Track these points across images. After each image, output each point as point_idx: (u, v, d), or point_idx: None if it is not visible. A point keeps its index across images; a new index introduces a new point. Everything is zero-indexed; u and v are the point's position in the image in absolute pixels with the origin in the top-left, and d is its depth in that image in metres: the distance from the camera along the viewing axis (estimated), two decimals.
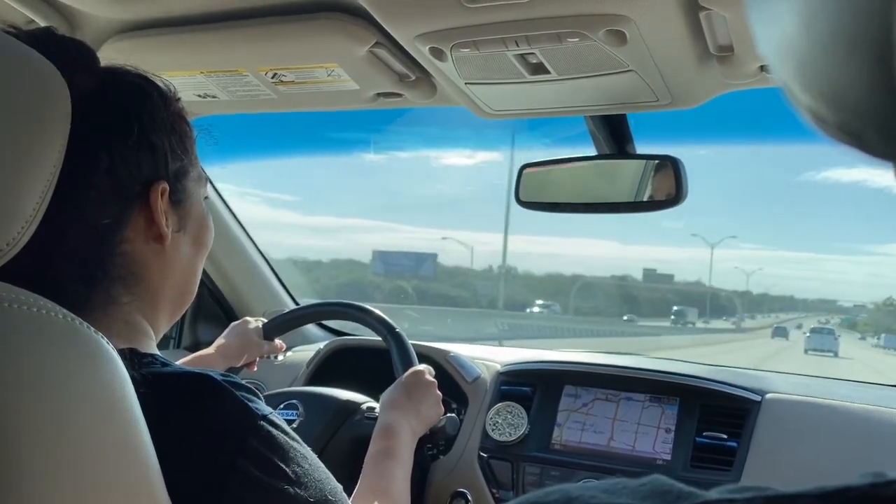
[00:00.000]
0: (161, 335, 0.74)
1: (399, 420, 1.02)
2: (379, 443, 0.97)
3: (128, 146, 0.67)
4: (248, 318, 1.34)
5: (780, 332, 43.86)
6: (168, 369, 0.64)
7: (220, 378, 0.63)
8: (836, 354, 28.42)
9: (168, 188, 0.70)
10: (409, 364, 1.21)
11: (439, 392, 1.13)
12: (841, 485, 0.25)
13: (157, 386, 0.60)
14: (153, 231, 0.69)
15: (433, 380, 1.14)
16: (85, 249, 0.65)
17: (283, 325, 1.38)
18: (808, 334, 33.55)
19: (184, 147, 0.72)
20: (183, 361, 1.19)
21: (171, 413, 0.60)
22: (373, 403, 1.27)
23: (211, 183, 1.61)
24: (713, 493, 0.27)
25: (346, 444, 1.22)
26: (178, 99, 0.74)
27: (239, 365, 1.29)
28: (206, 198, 0.79)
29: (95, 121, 0.64)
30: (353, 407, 1.27)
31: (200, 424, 0.62)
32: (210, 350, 1.26)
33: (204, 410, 0.62)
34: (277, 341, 1.36)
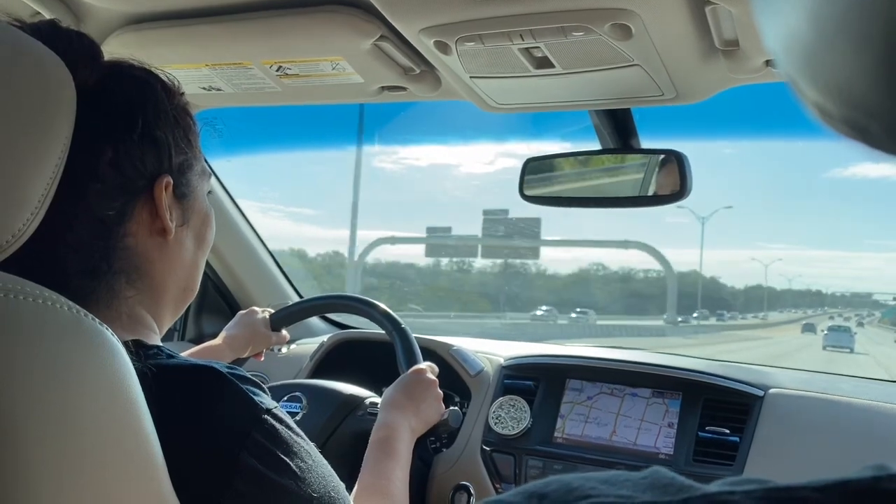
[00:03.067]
0: (165, 330, 0.74)
1: (398, 419, 1.02)
2: (378, 442, 0.97)
3: (132, 140, 0.67)
4: (255, 308, 1.34)
5: (808, 328, 45.81)
6: (173, 361, 0.64)
7: (225, 370, 0.63)
8: (852, 350, 29.08)
9: (172, 182, 0.70)
10: (414, 360, 1.21)
11: (440, 391, 1.13)
12: (841, 477, 0.24)
13: (162, 378, 0.60)
14: (157, 225, 0.69)
15: (434, 378, 1.14)
16: (89, 242, 0.65)
17: (291, 316, 1.38)
18: (825, 332, 34.41)
19: (188, 141, 0.72)
20: (191, 352, 1.19)
21: (176, 405, 0.60)
22: (376, 399, 1.27)
23: (216, 176, 1.61)
24: (713, 486, 0.27)
25: (348, 439, 1.22)
26: (182, 93, 0.74)
27: (245, 356, 1.29)
28: (210, 192, 0.79)
29: (99, 114, 0.64)
30: (357, 402, 1.27)
31: (205, 417, 0.62)
32: (217, 341, 1.25)
33: (209, 403, 0.62)
34: (284, 332, 1.36)
